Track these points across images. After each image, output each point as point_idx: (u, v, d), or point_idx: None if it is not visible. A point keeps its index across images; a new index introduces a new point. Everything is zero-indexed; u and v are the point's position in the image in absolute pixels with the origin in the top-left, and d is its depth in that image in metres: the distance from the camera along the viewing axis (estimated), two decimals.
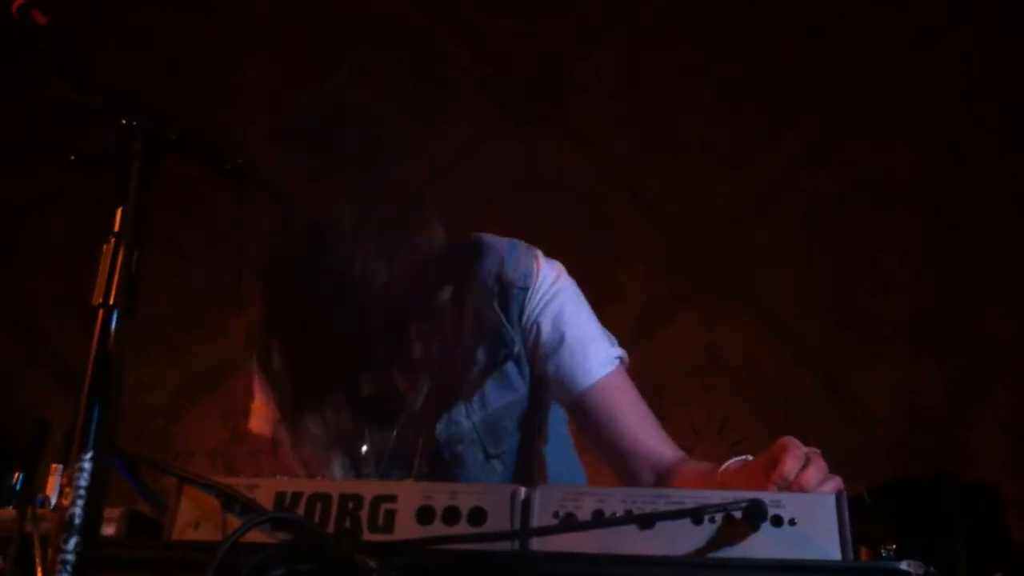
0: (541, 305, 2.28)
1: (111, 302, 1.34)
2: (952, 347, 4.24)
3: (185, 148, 1.45)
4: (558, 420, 2.48)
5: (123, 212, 1.37)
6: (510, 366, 2.30)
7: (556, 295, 2.29)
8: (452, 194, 4.30)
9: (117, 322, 1.34)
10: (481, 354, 2.27)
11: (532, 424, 2.39)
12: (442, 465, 2.29)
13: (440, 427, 2.28)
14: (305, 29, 4.93)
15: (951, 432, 4.15)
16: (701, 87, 4.66)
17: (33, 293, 4.56)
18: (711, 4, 4.80)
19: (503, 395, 2.30)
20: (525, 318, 2.28)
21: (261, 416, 2.36)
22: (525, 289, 2.28)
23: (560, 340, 2.26)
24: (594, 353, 2.27)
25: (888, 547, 1.57)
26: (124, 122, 1.40)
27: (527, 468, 2.39)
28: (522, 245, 2.34)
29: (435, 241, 2.16)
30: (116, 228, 1.37)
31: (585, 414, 2.29)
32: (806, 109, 4.61)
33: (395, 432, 2.27)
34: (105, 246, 1.36)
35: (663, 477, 2.14)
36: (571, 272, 2.38)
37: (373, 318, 2.10)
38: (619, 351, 2.32)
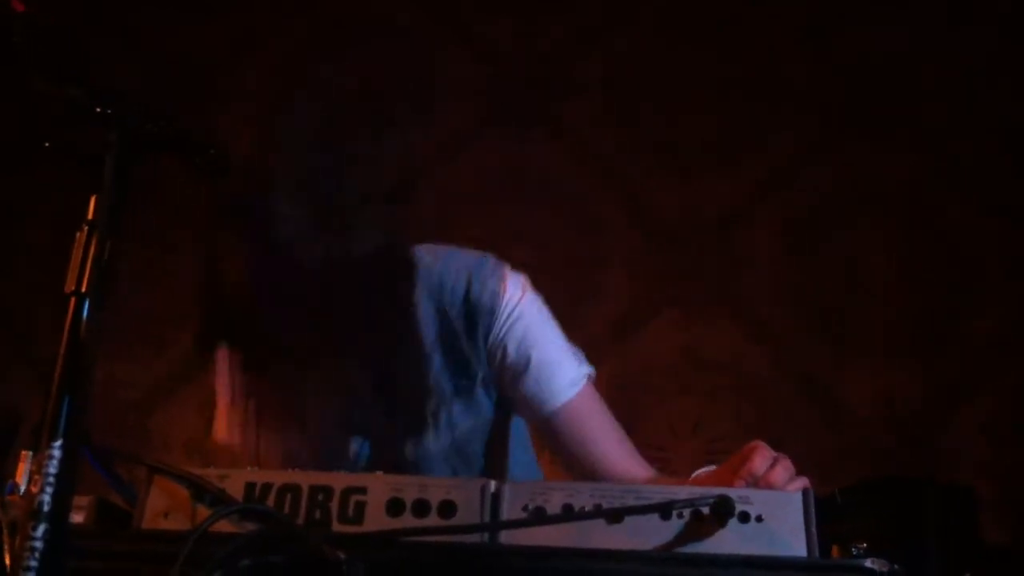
0: (507, 327, 2.23)
1: (83, 290, 1.35)
2: (932, 350, 4.23)
3: (159, 142, 1.45)
4: (518, 435, 2.44)
5: (96, 201, 1.39)
6: (478, 390, 2.26)
7: (521, 315, 2.24)
8: (447, 193, 4.32)
9: (89, 311, 1.35)
10: (446, 379, 2.23)
11: (499, 430, 2.36)
12: None
13: (408, 449, 2.22)
14: (305, 29, 4.93)
15: (930, 434, 4.15)
16: (699, 88, 4.65)
17: (23, 290, 4.57)
18: (711, 4, 4.79)
19: (469, 417, 2.26)
20: (491, 339, 2.23)
21: (226, 424, 2.35)
22: (492, 312, 2.22)
23: (526, 362, 2.22)
24: (561, 374, 2.24)
25: (859, 546, 1.58)
26: (99, 111, 1.40)
27: (491, 465, 2.35)
28: (490, 262, 2.28)
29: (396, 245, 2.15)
30: (89, 216, 1.38)
31: (554, 436, 2.26)
32: (803, 110, 4.60)
33: (368, 451, 2.23)
34: (78, 234, 1.37)
35: None
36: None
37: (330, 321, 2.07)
38: (586, 369, 2.29)
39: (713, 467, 1.91)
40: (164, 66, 4.78)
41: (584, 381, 2.26)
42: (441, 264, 2.23)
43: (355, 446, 2.21)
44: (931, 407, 4.18)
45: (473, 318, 2.20)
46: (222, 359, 2.33)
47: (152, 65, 4.75)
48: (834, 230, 4.43)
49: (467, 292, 2.21)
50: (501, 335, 2.21)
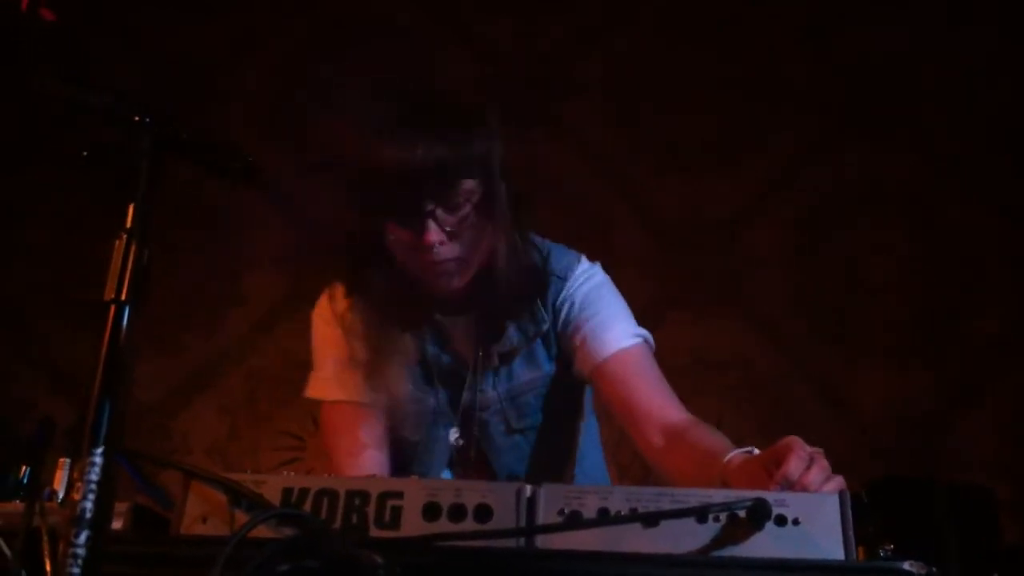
0: (574, 289, 2.43)
1: (122, 298, 1.35)
2: (942, 350, 4.25)
3: (191, 149, 1.46)
4: (590, 433, 2.66)
5: (134, 209, 1.39)
6: (538, 343, 2.45)
7: (589, 279, 2.46)
8: None
9: (128, 318, 1.35)
10: (513, 330, 2.42)
11: (564, 399, 2.54)
12: (469, 428, 2.47)
13: (466, 393, 2.45)
14: (305, 29, 4.93)
15: (940, 434, 4.17)
16: (699, 88, 4.66)
17: (25, 289, 4.56)
18: (711, 5, 4.80)
19: (528, 370, 2.46)
20: (559, 301, 2.43)
21: (327, 381, 2.51)
22: (564, 279, 2.44)
23: (588, 315, 2.41)
24: (618, 328, 2.40)
25: (887, 547, 1.58)
26: (137, 120, 1.40)
27: (558, 441, 2.57)
28: (570, 249, 2.52)
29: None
30: (128, 225, 1.38)
31: (604, 382, 2.38)
32: (803, 110, 4.62)
33: (437, 392, 2.46)
34: (116, 242, 1.37)
35: (670, 438, 2.21)
36: None
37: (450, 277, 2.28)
38: (644, 332, 2.44)
39: (748, 450, 1.92)
40: (164, 66, 4.77)
41: (638, 340, 2.40)
42: (530, 243, 2.45)
43: (434, 396, 2.47)
44: (941, 407, 4.20)
45: (546, 283, 2.43)
46: (324, 325, 2.52)
47: (152, 65, 4.74)
48: (836, 231, 4.44)
49: (546, 263, 2.44)
50: (568, 296, 2.43)
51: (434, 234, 2.17)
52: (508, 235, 2.32)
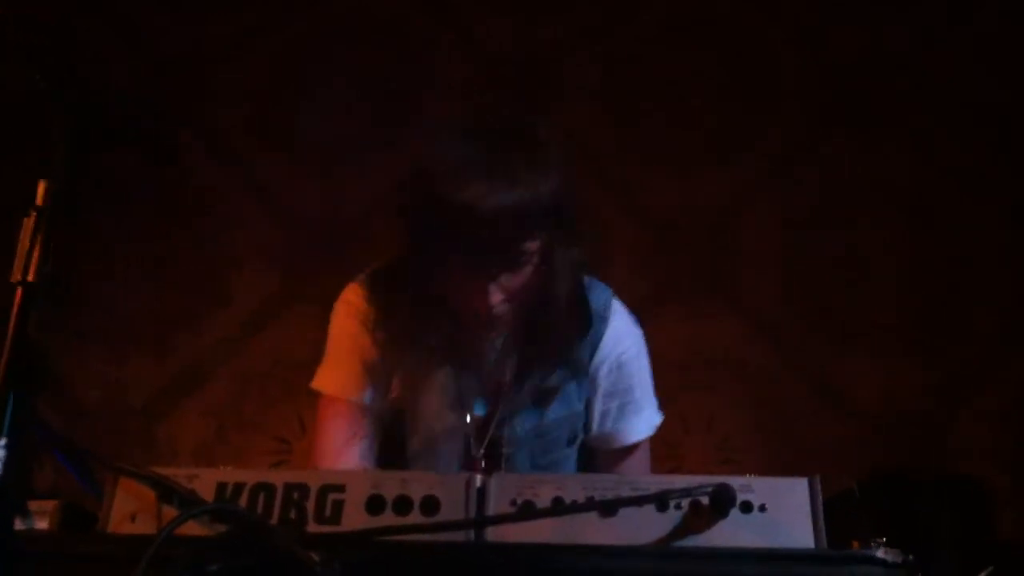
0: (611, 343, 2.38)
1: (30, 279, 1.26)
2: (937, 344, 4.19)
3: (109, 130, 1.38)
4: None
5: (45, 187, 1.31)
6: (571, 384, 2.37)
7: (635, 343, 2.43)
8: None
9: (37, 301, 1.27)
10: (558, 373, 2.34)
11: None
12: (496, 463, 2.36)
13: (493, 425, 2.35)
14: (304, 29, 4.89)
15: (936, 428, 4.10)
16: (699, 87, 4.61)
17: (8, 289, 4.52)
18: (707, 5, 4.76)
19: (560, 408, 2.37)
20: (599, 343, 2.37)
21: (340, 381, 2.39)
22: (604, 319, 2.37)
23: (618, 393, 2.39)
24: (641, 419, 2.41)
25: (878, 541, 1.51)
26: (51, 100, 1.33)
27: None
28: (599, 282, 2.45)
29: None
30: (38, 202, 1.30)
31: (603, 459, 2.42)
32: (798, 108, 4.57)
33: (462, 415, 2.33)
34: (25, 220, 1.29)
35: None
36: None
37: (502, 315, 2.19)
38: (659, 418, 2.45)
39: None
40: (161, 65, 4.74)
41: (651, 432, 2.42)
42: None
43: (458, 417, 2.33)
44: (939, 400, 4.14)
45: (590, 321, 2.34)
46: (346, 319, 2.39)
47: (150, 63, 4.72)
48: (831, 227, 4.38)
49: (585, 299, 2.35)
50: (606, 351, 2.36)
51: (495, 297, 2.12)
52: (567, 281, 2.25)
